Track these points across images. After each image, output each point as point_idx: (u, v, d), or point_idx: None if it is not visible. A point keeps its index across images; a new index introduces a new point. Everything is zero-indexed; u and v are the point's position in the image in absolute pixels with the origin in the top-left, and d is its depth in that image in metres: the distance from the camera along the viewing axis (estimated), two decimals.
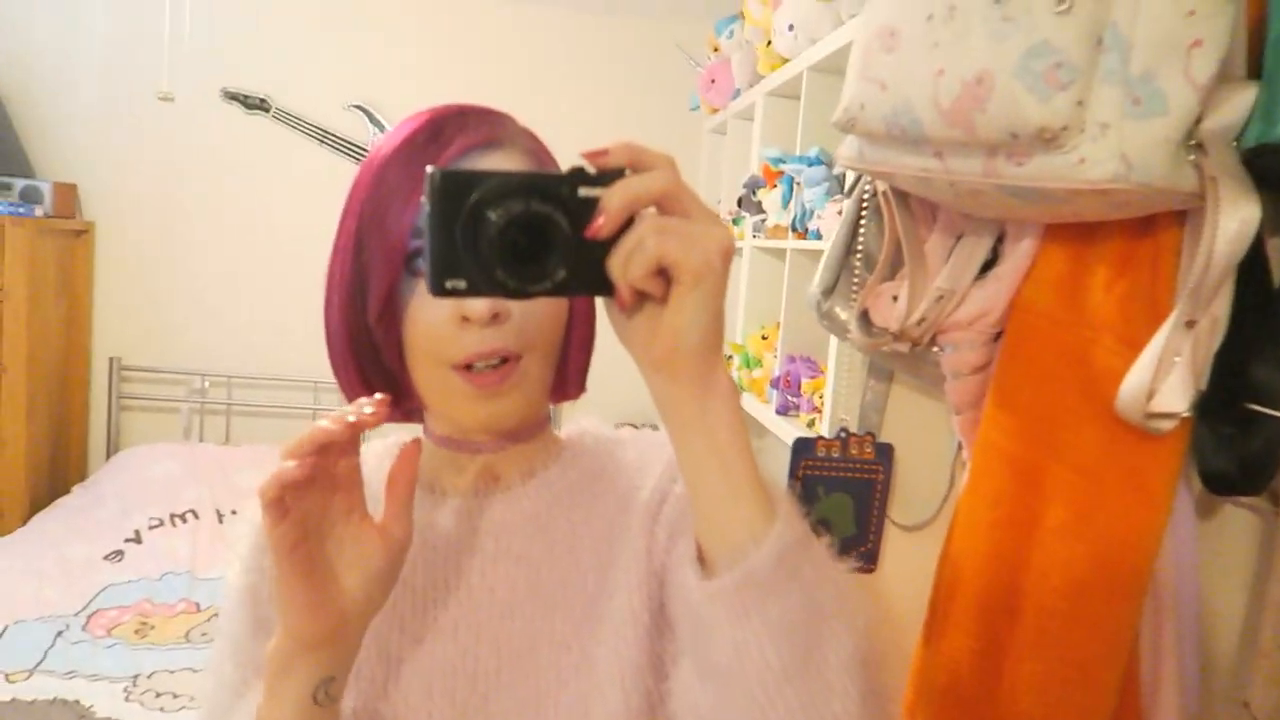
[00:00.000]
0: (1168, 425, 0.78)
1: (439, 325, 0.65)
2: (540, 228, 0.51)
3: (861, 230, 1.03)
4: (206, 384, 3.31)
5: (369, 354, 0.70)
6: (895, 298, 0.99)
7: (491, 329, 0.65)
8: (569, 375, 0.75)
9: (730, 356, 2.52)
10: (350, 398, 0.72)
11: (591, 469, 0.77)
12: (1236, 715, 0.76)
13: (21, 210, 2.97)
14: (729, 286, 0.53)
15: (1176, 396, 0.76)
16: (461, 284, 0.52)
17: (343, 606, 0.59)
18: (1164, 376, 0.77)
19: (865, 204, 1.03)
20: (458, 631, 0.71)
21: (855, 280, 1.03)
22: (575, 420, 0.81)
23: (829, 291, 1.04)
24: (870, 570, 1.06)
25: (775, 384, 2.22)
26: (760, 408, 2.28)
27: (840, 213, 1.05)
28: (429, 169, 0.51)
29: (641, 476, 0.75)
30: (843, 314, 1.03)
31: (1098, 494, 0.82)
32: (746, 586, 0.53)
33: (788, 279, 2.24)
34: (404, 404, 0.73)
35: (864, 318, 0.98)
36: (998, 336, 0.95)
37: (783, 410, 2.20)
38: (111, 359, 3.26)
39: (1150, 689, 0.85)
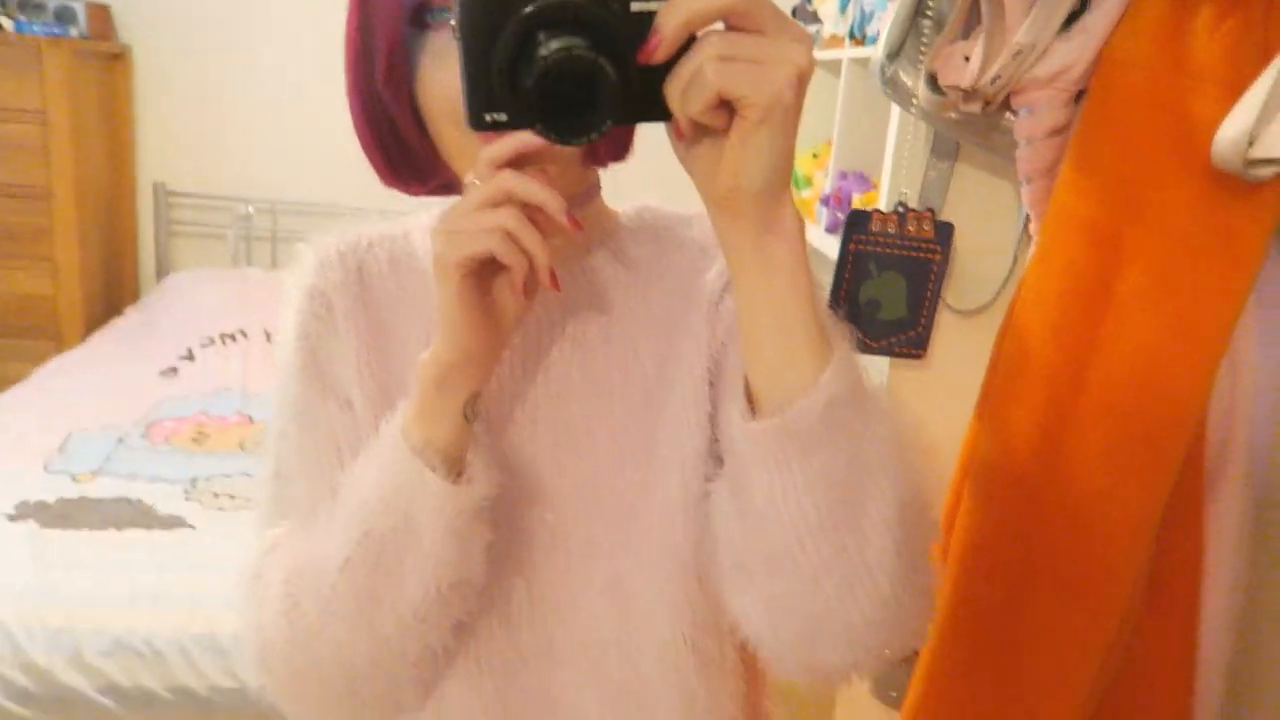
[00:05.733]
0: (1268, 173, 0.71)
1: (454, 85, 0.56)
2: (584, 74, 0.45)
3: None
4: (251, 210, 3.30)
5: (385, 125, 0.64)
6: (967, 58, 0.91)
7: None
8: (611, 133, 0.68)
9: None
10: (381, 178, 0.68)
11: (651, 249, 0.72)
12: None
13: (57, 31, 2.90)
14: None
15: None
16: (503, 117, 0.49)
17: (500, 321, 0.58)
18: (1269, 120, 0.70)
19: None
20: (513, 409, 0.69)
21: (924, 42, 0.94)
22: (636, 197, 0.76)
23: (894, 55, 0.95)
24: (919, 355, 1.02)
25: (825, 201, 2.14)
26: (809, 227, 2.21)
27: None
28: None
29: (705, 258, 0.71)
30: (908, 79, 0.95)
31: (1182, 256, 0.76)
32: (787, 436, 0.52)
33: (842, 92, 2.12)
34: (433, 180, 0.68)
35: (932, 80, 0.90)
36: (1078, 96, 0.87)
37: (833, 228, 2.13)
38: (156, 184, 3.25)
39: (1216, 463, 0.81)
